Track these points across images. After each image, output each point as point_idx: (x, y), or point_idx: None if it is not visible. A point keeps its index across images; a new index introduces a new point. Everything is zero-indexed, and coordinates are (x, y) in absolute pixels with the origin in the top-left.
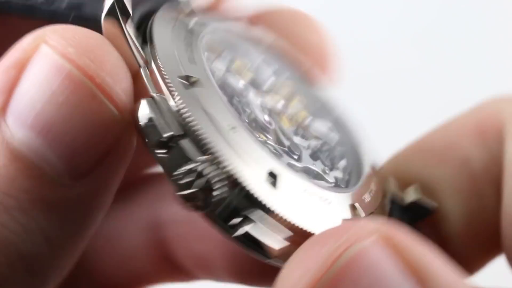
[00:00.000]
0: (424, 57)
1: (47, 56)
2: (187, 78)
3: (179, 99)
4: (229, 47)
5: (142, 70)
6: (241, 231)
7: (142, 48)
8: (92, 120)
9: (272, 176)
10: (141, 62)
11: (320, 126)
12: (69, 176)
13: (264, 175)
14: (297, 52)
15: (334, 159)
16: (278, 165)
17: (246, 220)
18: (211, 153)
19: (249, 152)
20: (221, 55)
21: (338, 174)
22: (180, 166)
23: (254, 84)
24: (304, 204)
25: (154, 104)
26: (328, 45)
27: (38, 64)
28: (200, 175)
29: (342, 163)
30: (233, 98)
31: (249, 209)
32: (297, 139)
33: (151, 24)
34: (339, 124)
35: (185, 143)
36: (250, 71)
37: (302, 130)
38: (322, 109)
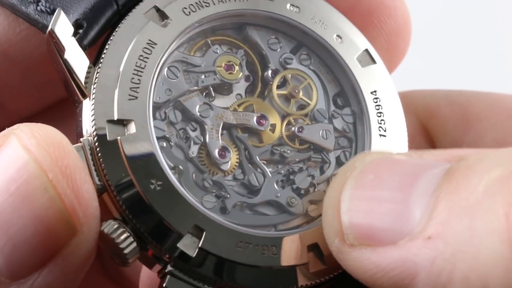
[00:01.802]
0: (423, 57)
1: (12, 145)
2: (117, 122)
3: (100, 154)
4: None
5: (78, 107)
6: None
7: (88, 72)
8: (39, 216)
9: (198, 229)
10: (78, 96)
11: (314, 132)
12: (8, 274)
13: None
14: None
15: (323, 167)
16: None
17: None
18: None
19: (174, 209)
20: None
21: (315, 196)
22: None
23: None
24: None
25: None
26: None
27: (4, 151)
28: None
29: (331, 170)
30: (188, 125)
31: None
32: (266, 160)
33: (110, 38)
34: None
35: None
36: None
37: (289, 140)
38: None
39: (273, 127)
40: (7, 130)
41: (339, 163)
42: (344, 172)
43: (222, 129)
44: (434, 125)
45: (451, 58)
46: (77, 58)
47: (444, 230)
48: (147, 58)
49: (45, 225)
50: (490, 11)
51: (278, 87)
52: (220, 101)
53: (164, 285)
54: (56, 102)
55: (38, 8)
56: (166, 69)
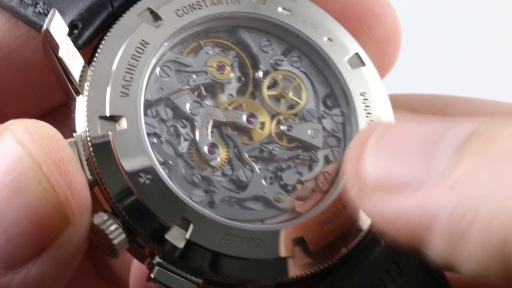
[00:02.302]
0: (422, 58)
1: (6, 140)
2: (109, 118)
3: (92, 148)
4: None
5: (72, 104)
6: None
7: (83, 71)
8: (33, 207)
9: (185, 222)
10: (72, 94)
11: (302, 131)
12: (3, 264)
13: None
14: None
15: (311, 165)
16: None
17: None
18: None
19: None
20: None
21: (302, 193)
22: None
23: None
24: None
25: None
26: (394, 13)
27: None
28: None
29: (319, 168)
30: (179, 122)
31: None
32: (255, 158)
33: (104, 38)
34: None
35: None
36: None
37: (278, 138)
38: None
39: (262, 126)
40: (2, 126)
41: (327, 161)
42: (371, 127)
43: (212, 126)
44: None
45: (447, 61)
46: (71, 56)
47: (468, 180)
48: (140, 57)
49: (39, 216)
50: (487, 14)
51: (269, 87)
52: (211, 101)
53: (152, 276)
54: (54, 107)
55: (36, 10)
56: (158, 68)
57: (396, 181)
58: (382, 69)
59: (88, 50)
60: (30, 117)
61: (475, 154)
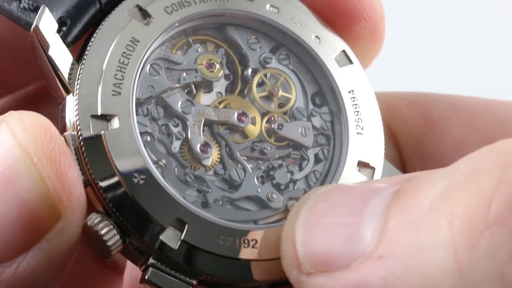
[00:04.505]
0: (421, 57)
1: (1, 131)
2: (101, 117)
3: (84, 148)
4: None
5: (62, 102)
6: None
7: (72, 68)
8: (23, 199)
9: (180, 222)
10: (61, 92)
11: (293, 130)
12: None
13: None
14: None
15: (302, 164)
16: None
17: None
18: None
19: (157, 203)
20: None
21: (293, 193)
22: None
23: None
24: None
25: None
26: (380, 8)
27: None
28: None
29: (309, 167)
30: (170, 121)
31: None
32: (247, 157)
33: (94, 35)
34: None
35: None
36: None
37: (269, 137)
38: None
39: (253, 124)
40: (0, 117)
41: (318, 160)
42: (299, 204)
43: (204, 125)
44: (396, 125)
45: (445, 60)
46: (61, 55)
47: (394, 248)
48: (130, 55)
49: (29, 208)
50: (486, 13)
51: (258, 85)
52: (201, 99)
53: (146, 277)
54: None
55: (21, 5)
56: (148, 66)
57: (330, 262)
58: (364, 63)
59: (76, 47)
60: (27, 87)
61: (398, 218)
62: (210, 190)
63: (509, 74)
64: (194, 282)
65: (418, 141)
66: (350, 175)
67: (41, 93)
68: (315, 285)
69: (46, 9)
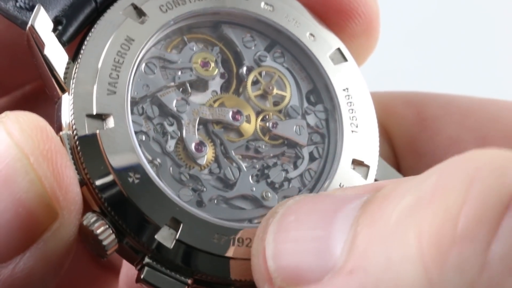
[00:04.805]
0: (421, 58)
1: None
2: (96, 116)
3: (79, 147)
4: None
5: (57, 101)
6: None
7: (67, 68)
8: (19, 198)
9: (175, 222)
10: (57, 91)
11: (288, 128)
12: None
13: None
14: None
15: (296, 162)
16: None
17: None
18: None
19: (152, 202)
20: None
21: (288, 192)
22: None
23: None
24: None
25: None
26: (375, 5)
27: None
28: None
29: (304, 165)
30: (165, 120)
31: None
32: (242, 155)
33: (89, 34)
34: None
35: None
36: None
37: (263, 135)
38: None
39: (248, 123)
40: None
41: (312, 158)
42: (267, 219)
43: (199, 124)
44: (390, 124)
45: (444, 59)
46: (56, 54)
47: (364, 262)
48: (125, 54)
49: (26, 208)
50: (485, 13)
51: (253, 83)
52: (196, 97)
53: (142, 276)
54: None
55: (17, 4)
56: (143, 65)
57: (300, 277)
58: (359, 60)
59: (72, 46)
60: (24, 86)
61: (366, 232)
62: (205, 189)
63: (506, 73)
64: (189, 281)
65: (412, 139)
66: (344, 173)
67: (38, 93)
68: None
69: (42, 8)
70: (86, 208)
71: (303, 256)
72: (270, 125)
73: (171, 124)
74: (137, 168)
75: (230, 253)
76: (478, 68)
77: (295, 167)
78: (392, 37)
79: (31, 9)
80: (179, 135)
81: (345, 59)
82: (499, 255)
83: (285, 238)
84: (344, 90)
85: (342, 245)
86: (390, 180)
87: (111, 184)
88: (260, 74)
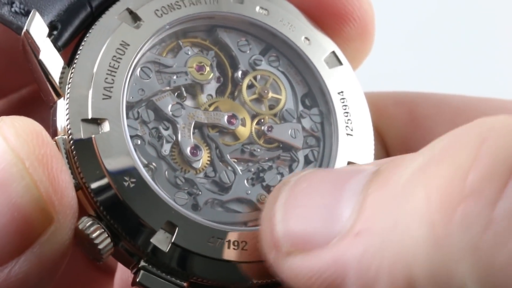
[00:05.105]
0: (420, 58)
1: None
2: (91, 121)
3: (75, 152)
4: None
5: (53, 106)
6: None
7: (62, 72)
8: (15, 203)
9: (171, 225)
10: (52, 96)
11: (283, 131)
12: None
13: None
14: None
15: (292, 165)
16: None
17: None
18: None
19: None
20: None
21: None
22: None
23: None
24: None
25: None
26: (370, 9)
27: None
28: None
29: (299, 168)
30: (160, 124)
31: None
32: (237, 159)
33: (84, 39)
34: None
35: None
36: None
37: (258, 139)
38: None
39: (243, 126)
40: None
41: (307, 161)
42: (279, 186)
43: (194, 128)
44: (382, 124)
45: (443, 60)
46: (51, 59)
47: (371, 224)
48: (120, 58)
49: (21, 212)
50: (484, 13)
51: (248, 87)
52: (191, 101)
53: (137, 280)
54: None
55: (12, 9)
56: (139, 69)
57: (308, 241)
58: (354, 64)
59: (67, 51)
60: (20, 90)
61: (376, 195)
62: (200, 193)
63: (502, 73)
64: (185, 284)
65: (404, 139)
66: None
67: (34, 97)
68: (293, 264)
69: (37, 14)
70: (82, 212)
71: (312, 220)
72: (266, 129)
73: (167, 128)
74: (133, 172)
75: (225, 256)
76: (474, 69)
77: (291, 170)
78: (386, 38)
79: (26, 14)
80: (174, 139)
81: (340, 63)
82: (505, 212)
83: (295, 203)
84: (339, 93)
85: (351, 209)
86: (404, 155)
87: (107, 188)
88: (255, 78)
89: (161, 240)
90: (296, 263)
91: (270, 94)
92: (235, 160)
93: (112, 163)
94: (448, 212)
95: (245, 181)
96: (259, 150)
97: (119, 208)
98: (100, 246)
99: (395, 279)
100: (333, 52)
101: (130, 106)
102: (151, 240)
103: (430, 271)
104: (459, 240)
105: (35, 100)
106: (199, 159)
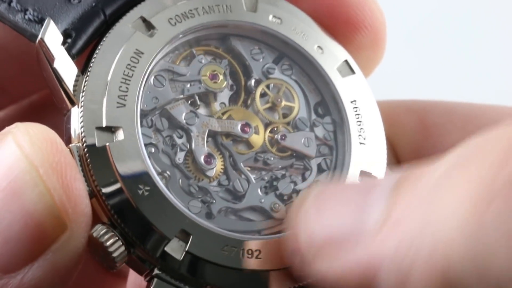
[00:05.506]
0: (419, 58)
1: (7, 143)
2: (105, 129)
3: (89, 160)
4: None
5: (66, 114)
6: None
7: (76, 80)
8: (29, 210)
9: (185, 233)
10: (67, 104)
11: (296, 140)
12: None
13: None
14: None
15: (305, 174)
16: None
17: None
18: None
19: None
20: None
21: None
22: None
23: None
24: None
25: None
26: (381, 17)
27: (0, 149)
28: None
29: (312, 177)
30: (174, 132)
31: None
32: (250, 167)
33: (98, 47)
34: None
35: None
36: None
37: (272, 147)
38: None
39: (256, 135)
40: (6, 129)
41: (320, 170)
42: (302, 195)
43: (208, 136)
44: (394, 133)
45: (444, 62)
46: (66, 67)
47: (404, 220)
48: (134, 67)
49: (35, 219)
50: (484, 14)
51: (261, 96)
52: (204, 110)
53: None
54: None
55: (26, 17)
56: (152, 78)
57: (335, 244)
58: (366, 72)
59: (81, 58)
60: (30, 96)
61: (407, 193)
62: (214, 201)
63: (506, 76)
64: None
65: (415, 147)
66: None
67: (45, 103)
68: (321, 268)
69: (52, 22)
70: (96, 220)
71: (339, 224)
72: (279, 137)
73: (180, 137)
74: (147, 180)
75: (240, 264)
76: (481, 73)
77: (304, 179)
78: (395, 43)
79: (40, 21)
80: (188, 147)
81: (353, 72)
82: None
83: (323, 206)
84: (352, 102)
85: (382, 207)
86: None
87: (121, 196)
88: (268, 86)
89: (175, 249)
90: (325, 265)
91: (283, 103)
92: (249, 169)
93: (126, 171)
94: (480, 210)
95: (259, 190)
96: (272, 158)
97: (133, 216)
98: (115, 254)
99: (431, 270)
100: (346, 61)
101: (144, 114)
102: (165, 249)
103: (469, 261)
104: (493, 236)
105: (46, 106)
106: (213, 168)
